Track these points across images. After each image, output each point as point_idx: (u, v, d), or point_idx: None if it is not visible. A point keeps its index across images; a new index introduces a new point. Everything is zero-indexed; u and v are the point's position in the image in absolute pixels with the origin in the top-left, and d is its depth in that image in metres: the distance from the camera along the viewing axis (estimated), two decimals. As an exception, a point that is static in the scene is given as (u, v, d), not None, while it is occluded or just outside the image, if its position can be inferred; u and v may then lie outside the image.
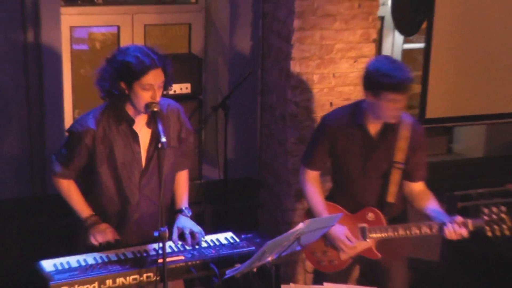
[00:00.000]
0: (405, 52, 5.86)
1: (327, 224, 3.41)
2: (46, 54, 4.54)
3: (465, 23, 5.01)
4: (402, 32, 5.40)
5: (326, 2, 4.51)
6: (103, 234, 3.38)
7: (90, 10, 4.99)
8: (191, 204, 3.68)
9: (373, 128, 3.66)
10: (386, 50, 5.76)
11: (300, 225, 3.09)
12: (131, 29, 5.02)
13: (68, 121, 4.81)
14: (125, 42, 4.98)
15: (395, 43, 5.76)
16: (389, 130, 3.65)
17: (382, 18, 5.56)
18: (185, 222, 3.48)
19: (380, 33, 5.65)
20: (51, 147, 4.65)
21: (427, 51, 4.92)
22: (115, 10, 5.02)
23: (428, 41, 4.92)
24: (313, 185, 3.83)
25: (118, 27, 5.00)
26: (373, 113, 3.57)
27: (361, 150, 3.72)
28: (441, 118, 5.11)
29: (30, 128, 4.73)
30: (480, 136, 5.83)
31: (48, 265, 3.10)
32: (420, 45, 5.43)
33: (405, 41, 5.78)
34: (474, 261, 5.03)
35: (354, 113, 3.74)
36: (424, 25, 4.98)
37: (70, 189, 3.49)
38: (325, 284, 3.30)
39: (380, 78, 3.42)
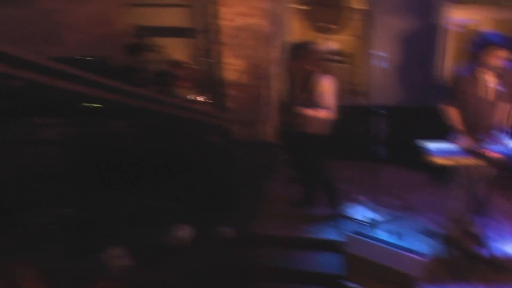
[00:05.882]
0: None
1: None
2: (439, 32, 6.36)
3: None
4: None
5: None
6: (466, 142, 3.99)
7: (464, 11, 6.46)
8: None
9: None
10: None
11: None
12: (485, 22, 6.34)
13: (447, 67, 6.37)
14: (481, 29, 5.95)
15: None
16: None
17: None
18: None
19: None
20: (437, 80, 6.20)
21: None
22: (476, 11, 6.43)
23: None
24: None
25: (477, 21, 6.42)
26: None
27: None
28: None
29: (433, 65, 6.36)
30: None
31: (430, 146, 3.95)
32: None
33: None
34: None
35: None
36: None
37: (452, 113, 4.08)
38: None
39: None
